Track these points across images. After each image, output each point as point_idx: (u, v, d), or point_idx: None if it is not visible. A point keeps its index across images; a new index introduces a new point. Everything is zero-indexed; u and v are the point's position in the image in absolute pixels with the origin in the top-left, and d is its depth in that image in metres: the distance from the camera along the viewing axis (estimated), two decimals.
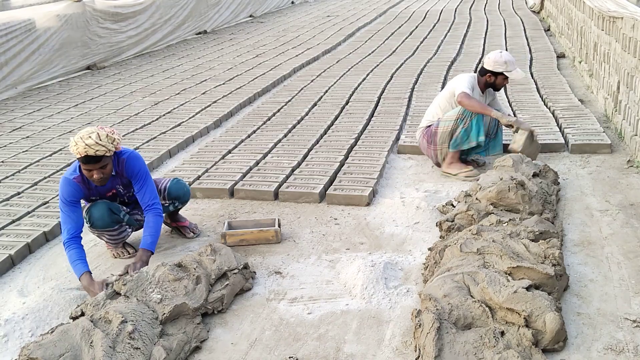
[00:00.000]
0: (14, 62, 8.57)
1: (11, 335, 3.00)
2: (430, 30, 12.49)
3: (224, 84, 8.51)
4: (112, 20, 10.61)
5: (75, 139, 3.30)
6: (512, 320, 2.81)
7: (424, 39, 11.46)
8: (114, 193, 3.72)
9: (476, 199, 3.95)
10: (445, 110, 4.88)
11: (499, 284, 2.94)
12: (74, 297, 3.27)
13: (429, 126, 4.93)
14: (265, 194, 4.67)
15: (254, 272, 3.55)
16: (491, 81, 4.85)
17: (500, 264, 3.13)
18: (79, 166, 3.47)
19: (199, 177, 4.98)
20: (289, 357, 2.79)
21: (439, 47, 10.55)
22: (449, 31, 12.30)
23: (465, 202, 3.94)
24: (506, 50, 9.85)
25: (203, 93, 7.97)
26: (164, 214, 3.79)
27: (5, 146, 6.08)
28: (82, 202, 3.64)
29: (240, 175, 4.96)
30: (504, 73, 4.77)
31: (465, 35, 11.65)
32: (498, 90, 4.99)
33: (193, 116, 6.88)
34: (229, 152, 5.60)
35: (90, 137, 3.28)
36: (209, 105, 7.32)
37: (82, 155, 3.30)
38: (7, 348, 2.94)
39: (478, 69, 4.96)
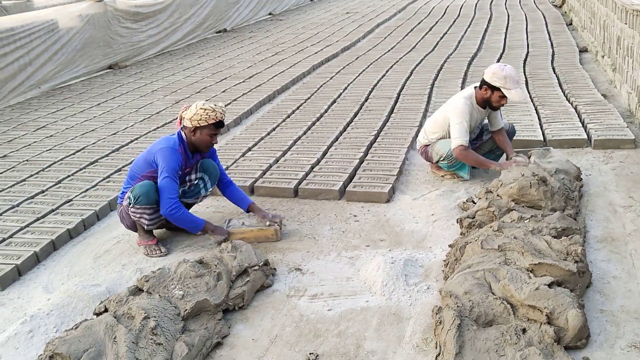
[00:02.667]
0: (38, 62, 8.70)
1: (36, 330, 3.05)
2: (451, 26, 12.40)
3: (243, 81, 8.55)
4: (133, 20, 10.72)
5: (210, 106, 3.75)
6: (534, 318, 2.78)
7: (444, 35, 11.38)
8: (189, 171, 3.95)
9: (497, 195, 3.92)
10: (444, 134, 4.62)
11: (520, 281, 2.92)
12: (98, 294, 3.32)
13: (427, 145, 4.76)
14: (285, 191, 4.68)
15: (274, 268, 3.57)
16: (487, 96, 4.39)
17: (522, 261, 3.10)
18: (180, 139, 3.81)
19: None
20: (310, 354, 2.80)
21: (459, 42, 10.47)
22: (469, 26, 12.20)
23: (486, 198, 3.91)
24: (527, 45, 9.75)
25: (223, 91, 8.02)
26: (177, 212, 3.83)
27: (29, 145, 6.19)
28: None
29: (260, 173, 4.98)
30: (501, 89, 4.30)
31: (485, 31, 11.54)
32: (495, 109, 4.53)
33: None
34: (249, 149, 5.63)
35: (218, 104, 3.78)
36: (229, 103, 7.36)
37: (218, 120, 3.77)
38: (32, 343, 2.99)
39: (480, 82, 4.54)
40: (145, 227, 3.85)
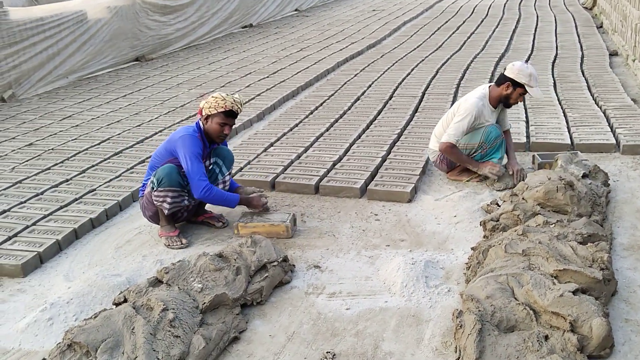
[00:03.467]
0: (66, 52, 8.81)
1: (56, 318, 3.07)
2: (478, 26, 12.26)
3: (267, 77, 8.55)
4: (161, 13, 10.79)
5: (221, 95, 3.80)
6: (557, 325, 2.72)
7: (471, 34, 11.25)
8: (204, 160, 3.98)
9: (522, 198, 3.85)
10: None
11: (544, 287, 2.86)
12: (118, 284, 3.33)
13: None
14: (306, 187, 4.66)
15: (293, 265, 3.55)
16: (507, 92, 4.41)
17: (546, 267, 3.04)
18: (198, 127, 3.87)
19: (241, 169, 5.01)
20: (327, 352, 2.78)
21: (486, 42, 10.35)
22: (497, 27, 12.05)
23: (511, 201, 3.85)
24: (556, 47, 9.59)
25: (247, 86, 8.02)
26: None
27: (55, 134, 6.26)
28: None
29: (282, 168, 4.97)
30: (525, 86, 4.35)
31: (514, 31, 11.39)
32: (509, 106, 4.55)
33: None
34: (271, 144, 5.62)
35: (233, 95, 3.84)
36: (253, 98, 7.36)
37: (227, 110, 3.80)
38: (52, 331, 3.01)
39: (496, 79, 4.54)
40: (166, 211, 3.84)
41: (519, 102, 4.56)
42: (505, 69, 4.51)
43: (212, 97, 3.83)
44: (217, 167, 4.08)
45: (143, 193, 3.95)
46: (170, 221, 3.94)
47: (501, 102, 4.54)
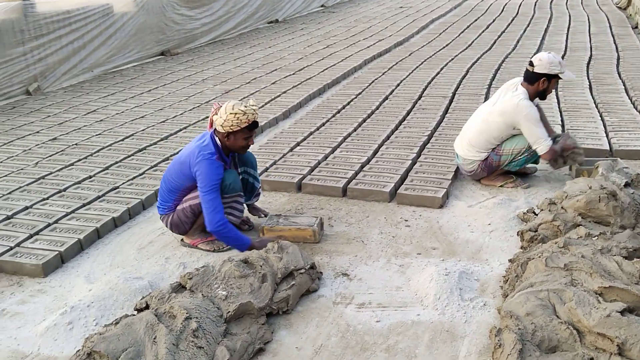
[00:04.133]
0: (92, 45, 8.77)
1: (76, 322, 2.98)
2: (509, 25, 11.99)
3: (293, 74, 8.42)
4: (188, 7, 10.72)
5: (239, 109, 3.49)
6: (603, 347, 2.54)
7: (501, 33, 11.00)
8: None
9: (562, 208, 3.66)
10: (502, 138, 4.39)
11: (589, 305, 2.68)
12: (140, 287, 3.23)
13: (486, 158, 4.43)
14: (333, 189, 4.52)
15: (321, 272, 3.42)
16: (544, 87, 4.30)
17: (590, 283, 2.86)
18: (213, 142, 3.60)
19: (267, 169, 4.89)
20: None
21: (517, 42, 10.09)
22: (528, 26, 11.77)
23: (550, 210, 3.66)
24: (590, 47, 9.32)
25: (273, 83, 7.90)
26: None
27: (79, 129, 6.20)
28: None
29: (309, 169, 4.83)
30: (559, 75, 4.28)
31: (546, 31, 11.11)
32: (545, 98, 4.45)
33: (262, 106, 6.81)
34: (298, 144, 5.49)
35: (250, 103, 3.55)
36: (279, 96, 7.23)
37: (251, 122, 3.54)
38: (71, 336, 2.92)
39: (524, 77, 4.38)
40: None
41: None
42: (532, 65, 4.30)
43: (230, 113, 3.49)
44: (249, 176, 3.97)
45: (166, 212, 3.76)
46: (204, 227, 3.74)
47: (537, 97, 4.43)
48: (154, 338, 2.53)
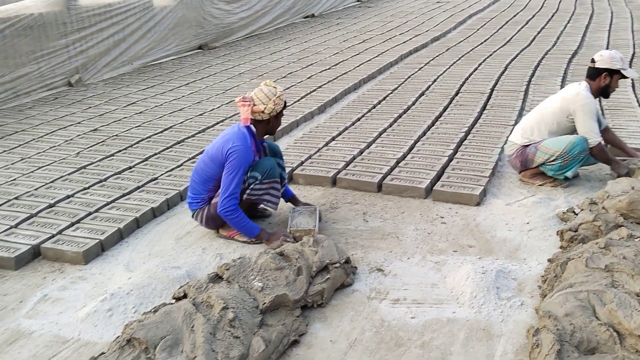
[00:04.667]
0: (132, 39, 8.92)
1: (116, 309, 3.05)
2: (549, 21, 11.76)
3: (329, 68, 8.42)
4: (226, 2, 10.81)
5: (272, 92, 3.69)
6: None
7: (541, 29, 10.79)
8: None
9: (603, 208, 3.58)
10: (550, 128, 4.34)
11: (630, 308, 2.62)
12: (178, 277, 3.28)
13: (526, 146, 4.40)
14: (368, 185, 4.51)
15: (355, 267, 3.42)
16: (606, 83, 4.29)
17: (632, 285, 2.79)
18: (249, 131, 3.74)
19: (302, 163, 4.91)
20: None
21: (558, 38, 9.89)
22: (569, 22, 11.53)
23: (591, 210, 3.58)
24: (633, 45, 9.08)
25: (308, 77, 7.92)
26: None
27: (119, 120, 6.32)
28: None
29: (344, 164, 4.83)
30: (621, 71, 4.25)
31: (587, 27, 10.86)
32: (608, 96, 4.41)
33: (298, 100, 6.83)
34: (333, 139, 5.49)
35: (276, 87, 3.76)
36: (314, 90, 7.25)
37: (283, 104, 3.76)
38: (111, 322, 2.99)
39: (587, 74, 4.37)
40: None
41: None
42: (593, 61, 4.32)
43: (272, 101, 3.67)
44: (281, 168, 4.00)
45: (200, 206, 3.79)
46: None
47: (600, 95, 4.41)
48: (192, 327, 2.57)
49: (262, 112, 3.67)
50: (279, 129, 4.09)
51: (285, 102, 3.80)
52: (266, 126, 3.78)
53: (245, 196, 3.73)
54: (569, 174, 4.31)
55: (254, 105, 3.67)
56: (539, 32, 10.50)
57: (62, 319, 3.08)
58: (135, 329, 2.51)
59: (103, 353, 2.50)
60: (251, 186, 3.72)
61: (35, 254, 3.68)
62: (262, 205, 4.06)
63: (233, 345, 2.55)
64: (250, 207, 4.02)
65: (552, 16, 12.29)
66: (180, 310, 2.66)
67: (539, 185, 4.41)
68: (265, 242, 3.70)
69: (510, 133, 4.76)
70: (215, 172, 3.71)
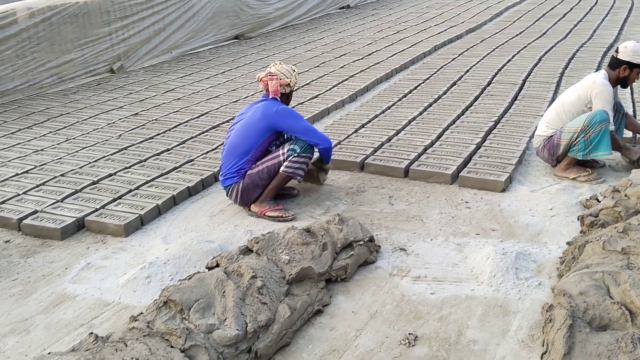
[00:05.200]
0: (171, 28, 9.19)
1: (154, 277, 3.26)
2: (586, 14, 11.60)
3: (362, 58, 8.53)
4: None
5: (296, 72, 4.10)
6: None
7: (578, 22, 10.67)
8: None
9: (625, 195, 3.64)
10: (571, 118, 4.38)
11: None
12: (211, 249, 3.48)
13: (551, 136, 4.44)
14: (395, 170, 4.64)
15: (379, 246, 3.57)
16: (625, 74, 4.32)
17: None
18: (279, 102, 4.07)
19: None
20: (409, 334, 2.78)
21: (594, 31, 9.78)
22: (606, 15, 11.35)
23: (613, 197, 3.65)
24: None
25: (341, 67, 8.05)
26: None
27: (159, 106, 6.57)
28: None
29: (372, 150, 4.96)
30: None
31: (625, 21, 10.69)
32: (626, 86, 4.49)
33: (330, 89, 6.98)
34: (362, 126, 5.62)
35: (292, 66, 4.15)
36: (346, 79, 7.38)
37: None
38: (149, 288, 3.21)
39: (608, 63, 4.41)
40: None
41: (635, 81, 4.44)
42: (617, 51, 4.36)
43: (292, 75, 4.07)
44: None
45: (235, 180, 3.99)
46: (274, 194, 4.06)
47: (618, 84, 4.44)
48: (223, 292, 2.76)
49: (288, 84, 4.04)
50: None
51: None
52: (285, 100, 4.12)
53: (282, 168, 3.94)
54: (596, 154, 4.29)
55: (280, 79, 3.97)
56: (575, 25, 10.40)
57: (104, 284, 3.32)
58: (172, 292, 2.71)
59: (141, 313, 2.71)
60: (289, 158, 3.93)
61: (79, 226, 3.94)
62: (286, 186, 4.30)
63: (261, 310, 2.73)
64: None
65: (591, 9, 12.12)
66: (213, 277, 2.85)
67: (572, 178, 4.40)
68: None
69: (536, 128, 4.82)
70: (254, 142, 3.97)
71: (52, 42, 7.46)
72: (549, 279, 3.18)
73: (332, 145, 4.15)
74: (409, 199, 4.25)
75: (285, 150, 3.94)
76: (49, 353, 2.32)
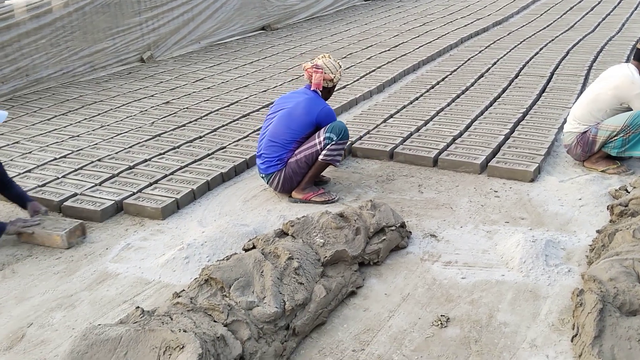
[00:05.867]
0: (200, 18, 9.31)
1: (191, 258, 3.38)
2: (615, 7, 11.48)
3: (389, 50, 8.57)
4: None
5: (342, 68, 4.19)
6: None
7: (606, 16, 10.57)
8: None
9: None
10: (604, 114, 4.33)
11: None
12: (246, 233, 3.59)
13: (584, 132, 4.39)
14: (424, 159, 4.70)
15: (410, 232, 3.64)
16: None
17: None
18: (318, 95, 4.15)
19: (360, 138, 5.13)
20: (441, 315, 2.86)
21: (623, 25, 9.69)
22: (636, 9, 11.22)
23: None
24: None
25: (368, 58, 8.10)
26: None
27: (189, 94, 6.70)
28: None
29: (401, 139, 5.02)
30: None
31: None
32: None
33: (357, 80, 7.04)
34: (391, 116, 5.69)
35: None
36: (373, 70, 7.43)
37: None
38: (187, 268, 3.32)
39: (634, 56, 4.33)
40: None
41: None
42: (639, 42, 4.32)
43: (338, 72, 4.13)
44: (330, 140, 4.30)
45: (278, 168, 4.08)
46: (314, 179, 4.19)
47: None
48: (261, 272, 2.86)
49: (332, 80, 4.07)
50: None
51: None
52: (326, 94, 4.17)
53: (321, 157, 4.02)
54: (632, 153, 4.26)
55: (325, 73, 4.03)
56: (603, 19, 10.30)
57: (144, 264, 3.44)
58: (213, 270, 2.82)
59: (184, 290, 2.82)
60: (327, 147, 4.00)
61: (117, 208, 4.07)
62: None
63: (298, 290, 2.83)
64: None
65: (619, 2, 11.99)
66: (251, 257, 2.95)
67: (602, 171, 4.40)
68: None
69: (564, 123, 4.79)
70: (297, 135, 4.06)
71: (84, 31, 7.62)
72: (579, 266, 3.23)
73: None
74: (438, 187, 4.31)
75: (322, 138, 4.00)
76: (98, 324, 2.44)
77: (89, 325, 2.53)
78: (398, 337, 2.74)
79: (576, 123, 4.46)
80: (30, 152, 5.01)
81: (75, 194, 4.18)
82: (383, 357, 2.62)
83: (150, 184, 4.30)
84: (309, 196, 4.09)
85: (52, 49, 7.27)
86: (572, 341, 2.62)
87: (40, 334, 2.88)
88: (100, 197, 4.13)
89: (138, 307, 2.61)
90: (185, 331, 2.33)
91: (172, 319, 2.51)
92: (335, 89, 6.41)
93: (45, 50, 7.20)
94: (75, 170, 4.59)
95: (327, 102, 4.22)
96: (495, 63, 7.47)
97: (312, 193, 4.10)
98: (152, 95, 6.70)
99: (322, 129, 4.04)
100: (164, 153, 4.89)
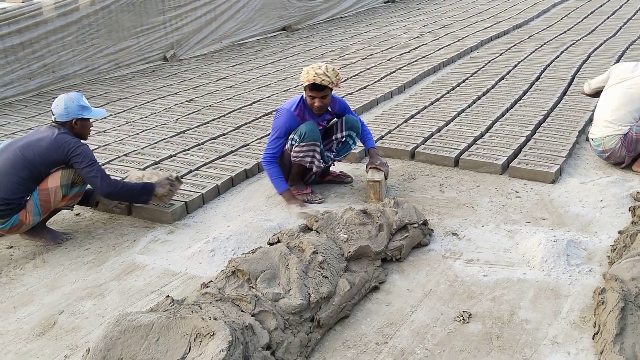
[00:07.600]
0: (222, 18, 9.43)
1: (217, 250, 3.46)
2: (637, 11, 11.40)
3: (409, 51, 8.61)
4: None
5: (307, 69, 3.93)
6: None
7: (628, 20, 10.51)
8: (319, 129, 4.16)
9: None
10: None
11: None
12: (270, 227, 3.66)
13: (627, 133, 4.35)
14: (446, 159, 4.74)
15: (432, 229, 3.68)
16: None
17: None
18: (301, 99, 4.07)
19: (382, 137, 5.18)
20: (463, 311, 2.90)
21: None
22: None
23: None
24: None
25: (389, 59, 8.14)
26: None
27: (212, 93, 6.79)
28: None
29: (422, 139, 5.07)
30: None
31: None
32: None
33: (378, 80, 7.09)
34: (412, 116, 5.73)
35: (320, 68, 3.90)
36: (394, 72, 7.47)
37: (310, 83, 3.88)
38: (213, 261, 3.40)
39: None
40: (315, 166, 4.11)
41: None
42: None
43: (305, 69, 3.96)
44: (351, 138, 4.31)
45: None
46: (301, 180, 4.22)
47: None
48: (287, 265, 2.93)
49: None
50: (316, 112, 4.12)
51: (313, 84, 3.91)
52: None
53: (292, 158, 4.07)
54: None
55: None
56: (625, 23, 10.25)
57: (170, 256, 3.53)
58: (239, 262, 2.89)
59: (211, 281, 2.90)
60: (293, 148, 4.04)
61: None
62: (339, 174, 4.46)
63: (322, 283, 2.89)
64: (324, 173, 4.43)
65: None
66: (277, 251, 3.02)
67: None
68: (286, 200, 4.03)
69: (589, 129, 4.71)
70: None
71: (110, 29, 7.76)
72: (600, 267, 3.26)
73: (266, 165, 4.07)
74: (460, 187, 4.35)
75: (288, 139, 4.05)
76: (130, 312, 2.51)
77: (121, 312, 2.61)
78: (420, 332, 2.79)
79: (616, 125, 4.41)
80: None
81: None
82: (406, 350, 2.67)
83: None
84: (295, 193, 4.17)
85: (78, 46, 7.41)
86: (593, 339, 2.65)
87: (71, 321, 2.97)
88: None
89: (168, 295, 2.68)
90: (215, 319, 2.40)
91: (201, 308, 2.58)
92: (356, 89, 6.50)
93: (72, 47, 7.35)
94: (102, 164, 4.67)
95: (343, 99, 4.21)
96: (515, 66, 7.48)
97: (297, 191, 4.17)
98: (175, 93, 6.81)
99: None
100: (188, 149, 4.98)
